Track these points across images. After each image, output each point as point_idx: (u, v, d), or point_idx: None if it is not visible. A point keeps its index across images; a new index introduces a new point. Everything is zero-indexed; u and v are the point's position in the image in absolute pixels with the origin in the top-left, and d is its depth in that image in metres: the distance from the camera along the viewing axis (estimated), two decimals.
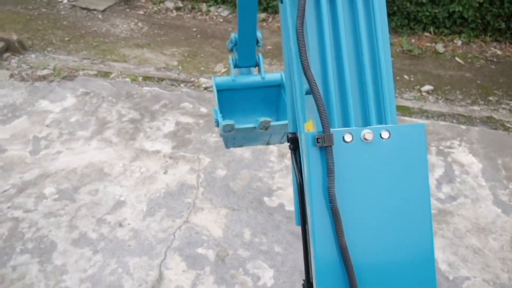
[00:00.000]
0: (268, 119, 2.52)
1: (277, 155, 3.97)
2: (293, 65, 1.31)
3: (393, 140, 1.12)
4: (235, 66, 2.83)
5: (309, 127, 1.27)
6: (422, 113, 4.82)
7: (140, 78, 5.26)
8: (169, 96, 4.87)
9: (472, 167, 3.93)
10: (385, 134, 1.11)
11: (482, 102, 5.04)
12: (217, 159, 3.92)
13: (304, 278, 1.42)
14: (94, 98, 4.76)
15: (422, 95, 5.16)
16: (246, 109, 2.96)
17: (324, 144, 1.07)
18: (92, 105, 4.63)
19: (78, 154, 3.94)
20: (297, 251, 3.08)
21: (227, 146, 3.02)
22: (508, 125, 4.62)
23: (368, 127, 1.13)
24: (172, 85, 5.15)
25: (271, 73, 2.91)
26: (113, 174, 3.72)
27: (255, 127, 2.57)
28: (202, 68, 5.62)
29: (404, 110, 4.84)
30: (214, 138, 4.17)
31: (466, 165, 3.96)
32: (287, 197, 3.52)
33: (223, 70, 5.58)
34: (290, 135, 1.38)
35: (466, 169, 3.91)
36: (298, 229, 3.26)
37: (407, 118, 4.71)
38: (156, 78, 5.28)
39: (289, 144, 1.37)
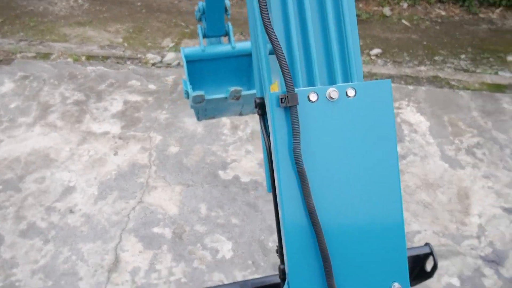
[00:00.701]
0: (238, 88, 2.47)
1: (230, 128, 3.93)
2: (257, 26, 1.27)
3: (359, 98, 1.09)
4: (204, 35, 2.74)
5: (274, 89, 1.24)
6: (372, 76, 4.88)
7: (83, 58, 5.01)
8: (115, 74, 4.68)
9: (420, 126, 4.04)
10: (350, 92, 1.09)
11: (428, 63, 5.16)
12: (169, 136, 3.83)
13: (277, 244, 1.38)
14: (34, 82, 4.50)
15: (371, 58, 5.22)
16: (217, 80, 2.87)
17: (288, 104, 1.04)
18: (32, 89, 4.38)
19: (20, 142, 3.74)
20: (254, 222, 3.09)
21: (198, 119, 2.95)
22: (453, 83, 4.77)
23: (333, 85, 1.10)
24: (118, 63, 4.95)
25: (241, 41, 2.83)
26: (59, 160, 3.56)
27: (226, 97, 2.50)
28: (148, 44, 5.42)
29: None
30: (164, 115, 4.07)
31: (415, 124, 4.06)
32: (241, 169, 3.51)
33: (171, 44, 5.41)
34: (257, 100, 1.34)
35: (414, 128, 4.02)
36: (255, 200, 3.28)
37: None
38: (100, 57, 5.04)
39: (257, 109, 1.33)
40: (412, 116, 4.15)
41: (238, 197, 3.27)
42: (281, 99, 1.05)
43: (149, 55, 5.07)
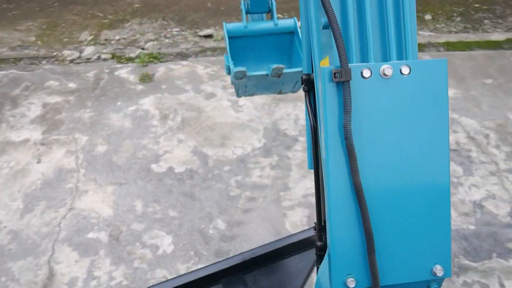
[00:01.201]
0: (281, 65, 2.42)
1: (159, 118, 3.81)
2: None
3: (413, 76, 1.07)
4: (247, 12, 2.66)
5: (325, 64, 1.19)
6: None
7: None
8: (30, 76, 4.38)
9: None
10: (405, 70, 1.06)
11: None
12: (95, 135, 3.65)
13: (315, 221, 1.39)
14: None
15: None
16: (258, 57, 2.83)
17: (341, 78, 1.02)
18: None
19: None
20: (193, 211, 3.03)
21: (238, 95, 2.90)
22: None
23: (387, 62, 1.07)
24: (32, 64, 4.63)
25: (284, 19, 2.75)
26: None
27: (267, 75, 2.41)
28: (65, 40, 5.11)
29: None
30: (88, 113, 3.86)
31: None
32: (175, 159, 3.42)
33: (89, 38, 5.12)
34: (304, 77, 1.31)
35: None
36: (191, 189, 3.21)
37: None
38: (11, 59, 4.69)
39: (303, 86, 1.31)
40: None
41: (174, 189, 3.19)
42: (334, 73, 1.03)
43: (66, 52, 4.77)
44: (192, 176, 3.28)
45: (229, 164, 3.41)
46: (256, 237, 2.92)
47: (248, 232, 2.93)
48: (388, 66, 1.06)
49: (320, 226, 1.36)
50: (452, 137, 3.67)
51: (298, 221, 3.00)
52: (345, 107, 1.04)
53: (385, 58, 1.12)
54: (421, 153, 1.10)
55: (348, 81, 1.03)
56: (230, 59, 2.56)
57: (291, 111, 3.99)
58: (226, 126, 3.77)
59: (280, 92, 3.00)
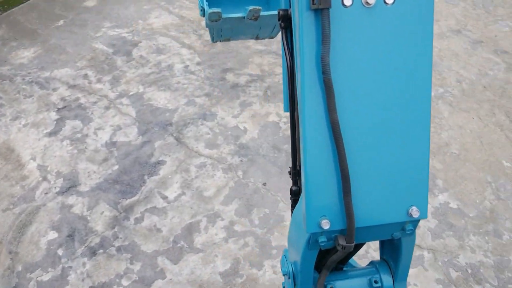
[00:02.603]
0: (257, 7, 2.35)
1: None
2: None
3: (397, 5, 0.99)
4: None
5: None
6: None
7: None
8: None
9: None
10: None
11: None
12: None
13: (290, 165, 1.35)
14: None
15: None
16: (234, 1, 2.71)
17: (319, 5, 0.93)
18: None
19: None
20: None
21: (213, 40, 2.74)
22: None
23: None
24: None
25: None
26: None
27: (243, 17, 2.36)
28: None
29: None
30: None
31: None
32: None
33: None
34: (281, 12, 1.23)
35: None
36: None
37: None
38: None
39: (279, 22, 1.23)
40: None
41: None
42: (313, 0, 0.95)
43: None
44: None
45: None
46: None
47: None
48: None
49: (295, 171, 1.34)
50: None
51: None
52: (323, 38, 0.95)
53: None
54: (401, 89, 1.03)
55: (327, 8, 0.94)
56: (205, 0, 2.39)
57: None
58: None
59: (257, 37, 2.88)
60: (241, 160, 3.39)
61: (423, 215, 1.07)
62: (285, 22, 1.24)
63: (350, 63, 1.00)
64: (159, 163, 3.36)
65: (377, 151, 1.05)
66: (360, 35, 0.99)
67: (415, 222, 1.12)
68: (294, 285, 1.30)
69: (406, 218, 1.08)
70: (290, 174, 1.39)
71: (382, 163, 1.05)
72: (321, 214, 1.05)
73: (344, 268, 1.39)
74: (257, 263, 2.74)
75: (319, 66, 0.98)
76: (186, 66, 4.34)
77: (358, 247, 1.29)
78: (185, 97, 3.97)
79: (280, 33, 1.32)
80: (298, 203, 1.21)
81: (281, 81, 4.18)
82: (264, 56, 4.49)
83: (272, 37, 2.85)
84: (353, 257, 1.44)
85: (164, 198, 3.12)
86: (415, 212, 1.07)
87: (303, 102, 1.01)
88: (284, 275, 1.38)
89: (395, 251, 1.23)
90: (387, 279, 1.25)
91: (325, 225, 1.04)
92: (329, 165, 1.03)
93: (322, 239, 1.08)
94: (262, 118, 3.77)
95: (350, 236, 1.03)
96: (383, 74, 1.02)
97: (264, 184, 3.22)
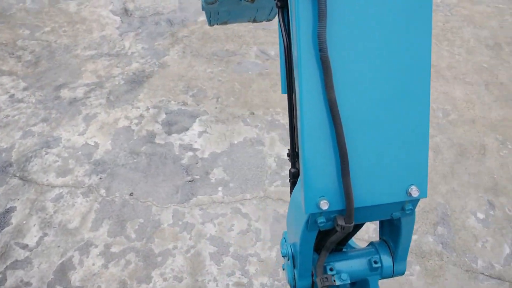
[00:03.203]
0: None
1: None
2: None
3: None
4: None
5: None
6: None
7: None
8: None
9: None
10: None
11: None
12: None
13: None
14: None
15: None
16: None
17: None
18: None
19: None
20: None
21: (210, 23, 2.59)
22: None
23: None
24: None
25: None
26: None
27: None
28: None
29: None
30: None
31: None
32: None
33: None
34: None
35: None
36: None
37: None
38: None
39: (276, 1, 1.16)
40: None
41: None
42: None
43: None
44: None
45: None
46: None
47: None
48: None
49: (294, 153, 1.30)
50: None
51: None
52: (319, 14, 0.93)
53: None
54: (401, 65, 1.00)
55: None
56: None
57: None
58: None
59: (254, 20, 2.79)
60: (100, 178, 3.16)
61: (423, 194, 1.06)
62: (281, 1, 1.18)
63: (348, 40, 0.97)
64: (8, 211, 2.98)
65: (376, 130, 1.02)
66: (358, 10, 0.96)
67: (415, 202, 1.10)
68: (294, 266, 1.27)
69: (405, 197, 1.06)
70: (288, 156, 1.34)
71: (381, 142, 1.03)
72: (319, 194, 1.02)
73: (344, 249, 1.37)
74: (145, 277, 2.61)
75: (316, 43, 0.95)
76: (12, 96, 3.87)
77: (357, 227, 1.26)
78: (19, 130, 3.55)
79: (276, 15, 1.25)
80: (296, 185, 1.17)
81: (119, 80, 3.96)
82: (96, 60, 4.19)
83: (270, 20, 2.78)
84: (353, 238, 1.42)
85: (24, 247, 2.78)
86: (414, 192, 1.05)
87: (300, 80, 0.98)
88: (283, 256, 1.33)
89: (394, 231, 1.22)
90: (386, 259, 1.24)
91: (324, 205, 1.02)
92: (327, 145, 1.00)
93: (321, 220, 1.06)
94: (112, 127, 3.54)
95: (349, 217, 1.02)
96: (382, 51, 0.99)
97: (131, 194, 3.06)
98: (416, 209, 1.15)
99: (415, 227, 1.92)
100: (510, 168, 3.24)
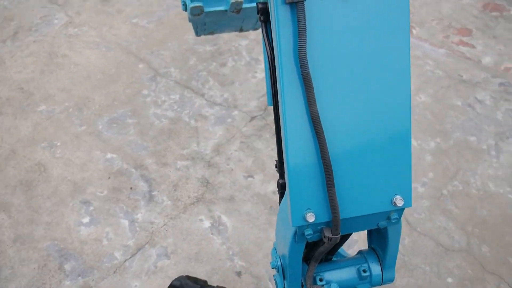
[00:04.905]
0: (239, 0, 2.22)
1: None
2: None
3: None
4: None
5: None
6: None
7: None
8: None
9: None
10: None
11: None
12: None
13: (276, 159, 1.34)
14: None
15: None
16: None
17: None
18: None
19: None
20: None
21: (197, 34, 2.68)
22: None
23: None
24: None
25: None
26: None
27: (226, 10, 2.28)
28: None
29: None
30: None
31: None
32: None
33: None
34: (260, 5, 1.18)
35: None
36: None
37: None
38: None
39: (259, 15, 1.19)
40: None
41: None
42: None
43: None
44: None
45: None
46: None
47: None
48: None
49: (281, 164, 1.31)
50: None
51: None
52: (299, 31, 0.95)
53: None
54: (380, 78, 1.03)
55: (302, 1, 0.94)
56: None
57: None
58: None
59: (241, 30, 2.78)
60: None
61: (408, 203, 1.08)
62: (265, 15, 1.19)
63: (328, 56, 1.00)
64: None
65: (359, 142, 1.04)
66: (337, 26, 0.99)
67: (400, 211, 1.12)
68: (284, 278, 1.29)
69: (390, 207, 1.08)
70: (276, 167, 1.36)
71: (365, 153, 1.05)
72: (305, 207, 1.04)
73: (334, 259, 1.40)
74: None
75: (297, 59, 0.97)
76: None
77: (344, 238, 1.28)
78: None
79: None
80: (284, 196, 1.19)
81: None
82: None
83: (256, 29, 2.83)
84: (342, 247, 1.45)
85: None
86: (399, 201, 1.07)
87: (283, 96, 1.00)
88: (273, 268, 1.36)
89: (382, 239, 1.24)
90: (375, 267, 1.27)
91: (310, 218, 1.04)
92: (311, 158, 1.03)
93: (308, 232, 1.08)
94: None
95: (336, 228, 1.04)
96: (362, 65, 1.02)
97: None
98: None
99: None
100: None
